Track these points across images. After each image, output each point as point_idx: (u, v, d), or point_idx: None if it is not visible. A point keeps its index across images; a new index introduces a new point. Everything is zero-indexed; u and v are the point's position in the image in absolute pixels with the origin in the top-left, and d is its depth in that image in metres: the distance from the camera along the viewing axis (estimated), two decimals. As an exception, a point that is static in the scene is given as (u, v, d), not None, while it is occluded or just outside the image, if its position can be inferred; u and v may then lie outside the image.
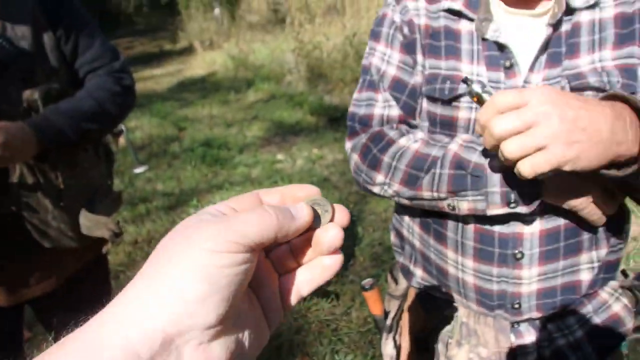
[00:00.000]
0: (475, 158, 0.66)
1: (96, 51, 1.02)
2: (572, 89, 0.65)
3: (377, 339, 1.83)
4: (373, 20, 0.84)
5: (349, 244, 2.46)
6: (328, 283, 2.12)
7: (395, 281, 0.89)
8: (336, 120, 4.35)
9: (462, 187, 0.66)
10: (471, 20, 0.71)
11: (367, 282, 0.84)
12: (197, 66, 7.38)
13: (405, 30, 0.76)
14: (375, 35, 0.81)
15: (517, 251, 0.68)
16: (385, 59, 0.79)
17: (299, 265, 0.34)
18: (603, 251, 0.72)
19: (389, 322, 0.83)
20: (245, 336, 0.29)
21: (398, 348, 0.86)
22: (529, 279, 0.69)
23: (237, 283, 0.26)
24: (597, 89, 0.64)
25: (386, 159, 0.74)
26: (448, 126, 0.72)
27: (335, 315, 1.98)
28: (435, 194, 0.68)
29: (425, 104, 0.75)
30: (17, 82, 0.89)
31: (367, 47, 0.82)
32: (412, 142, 0.73)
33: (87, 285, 1.12)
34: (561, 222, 0.68)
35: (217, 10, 8.67)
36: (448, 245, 0.74)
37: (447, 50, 0.72)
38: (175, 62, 8.06)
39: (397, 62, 0.78)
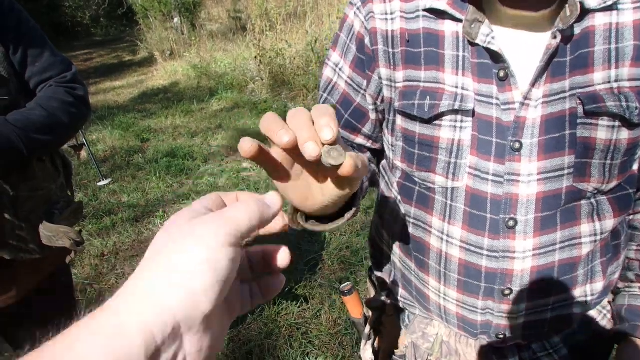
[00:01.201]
0: None
1: (46, 61, 1.00)
2: (587, 114, 0.55)
3: (347, 340, 1.86)
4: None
5: (317, 249, 2.48)
6: (297, 287, 2.14)
7: (375, 289, 0.86)
8: (301, 126, 4.38)
9: None
10: (458, 21, 0.58)
11: (345, 286, 0.83)
12: (159, 77, 7.23)
13: (366, 40, 0.65)
14: (334, 41, 0.72)
15: (505, 287, 0.62)
16: (336, 70, 0.71)
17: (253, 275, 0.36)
18: (599, 284, 0.65)
19: (367, 329, 0.81)
20: (219, 328, 0.30)
21: (376, 354, 0.84)
22: (517, 314, 0.64)
23: (233, 274, 0.28)
24: (615, 116, 0.55)
25: None
26: (428, 147, 0.62)
27: (305, 319, 1.99)
28: None
29: (400, 122, 0.65)
30: None
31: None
32: None
33: (51, 297, 1.11)
34: (556, 258, 0.61)
35: (176, 20, 8.52)
36: (430, 273, 0.68)
37: (427, 58, 0.60)
38: (136, 73, 7.85)
39: (346, 78, 0.70)
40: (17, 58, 0.96)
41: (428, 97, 0.60)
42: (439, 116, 0.60)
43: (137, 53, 9.26)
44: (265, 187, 3.22)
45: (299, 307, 2.04)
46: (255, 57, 5.43)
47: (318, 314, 2.01)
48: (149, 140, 4.39)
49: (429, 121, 0.61)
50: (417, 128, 0.63)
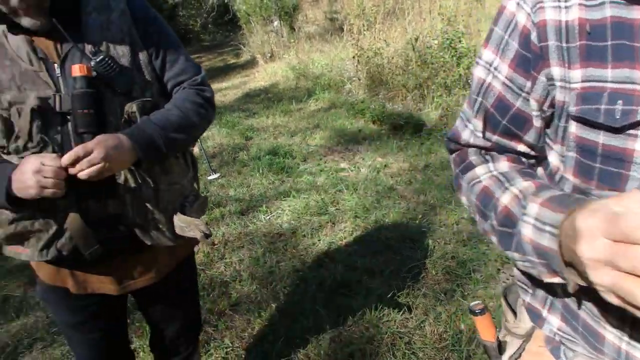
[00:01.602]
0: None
1: (181, 66, 1.07)
2: None
3: (454, 357, 1.74)
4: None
5: (419, 256, 2.38)
6: (399, 294, 2.07)
7: (515, 314, 0.77)
8: (400, 128, 4.27)
9: (507, 247, 0.58)
10: None
11: (476, 305, 0.76)
12: (260, 78, 7.62)
13: (533, 35, 0.56)
14: (487, 37, 0.63)
15: None
16: (490, 70, 0.63)
17: None
18: None
19: (505, 357, 0.74)
20: None
21: None
22: None
23: None
24: None
25: (464, 183, 0.68)
26: (616, 162, 0.52)
27: (408, 328, 1.91)
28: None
29: (575, 129, 0.55)
30: (120, 96, 0.96)
31: None
32: (487, 173, 0.65)
33: (180, 280, 1.21)
34: None
35: (276, 23, 8.92)
36: (609, 310, 0.56)
37: (616, 54, 0.51)
38: (239, 74, 8.39)
39: (503, 78, 0.62)
40: (158, 63, 1.04)
41: (620, 101, 0.50)
42: (636, 125, 0.50)
43: (241, 56, 9.90)
44: (363, 188, 3.19)
45: (401, 315, 1.97)
46: (353, 57, 5.43)
47: (422, 325, 1.92)
48: (252, 138, 4.64)
49: (620, 130, 0.51)
50: (601, 138, 0.53)
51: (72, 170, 0.86)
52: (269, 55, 8.30)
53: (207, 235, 1.05)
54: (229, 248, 2.70)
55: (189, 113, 1.04)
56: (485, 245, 2.43)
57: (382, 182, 3.30)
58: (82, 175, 0.86)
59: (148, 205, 1.01)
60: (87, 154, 0.85)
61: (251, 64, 8.84)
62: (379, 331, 1.90)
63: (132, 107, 0.97)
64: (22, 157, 0.88)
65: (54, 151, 0.90)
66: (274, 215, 2.99)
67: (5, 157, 0.92)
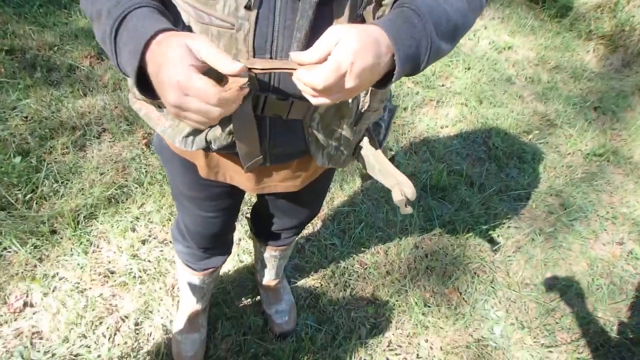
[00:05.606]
0: None
1: None
2: None
3: (533, 309, 1.53)
4: None
5: (525, 183, 1.95)
6: (494, 220, 1.73)
7: None
8: (540, 1, 3.17)
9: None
10: None
11: None
12: None
13: None
14: None
15: None
16: None
17: None
18: None
19: None
20: None
21: None
22: None
23: None
24: None
25: None
26: None
27: (494, 262, 1.65)
28: None
29: None
30: None
31: None
32: None
33: (316, 187, 0.90)
34: None
35: None
36: None
37: None
38: None
39: None
40: None
41: None
42: None
43: None
44: (479, 68, 2.49)
45: (490, 244, 1.69)
46: None
47: (509, 261, 1.66)
48: None
49: None
50: None
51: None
52: None
53: (408, 202, 0.63)
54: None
55: (470, 1, 0.57)
56: (596, 192, 1.99)
57: (501, 68, 2.57)
58: (315, 102, 0.48)
59: (345, 123, 0.66)
60: (339, 77, 0.45)
61: None
62: (464, 253, 1.64)
63: None
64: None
65: (247, 5, 0.49)
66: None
67: None
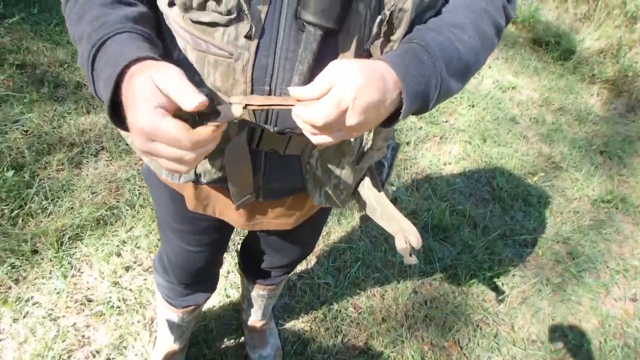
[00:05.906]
0: None
1: None
2: None
3: (543, 370, 1.41)
4: None
5: (530, 227, 1.87)
6: (498, 266, 1.64)
7: None
8: (543, 45, 3.20)
9: None
10: None
11: None
12: None
13: None
14: None
15: None
16: None
17: None
18: None
19: None
20: None
21: None
22: None
23: None
24: None
25: None
26: None
27: (499, 314, 1.55)
28: None
29: None
30: None
31: None
32: None
33: (311, 224, 0.83)
34: None
35: None
36: None
37: None
38: None
39: None
40: None
41: None
42: None
43: None
44: (483, 106, 2.47)
45: (494, 293, 1.59)
46: None
47: (514, 314, 1.55)
48: None
49: None
50: None
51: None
52: None
53: (413, 251, 0.57)
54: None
55: (484, 40, 0.52)
56: (605, 241, 1.90)
57: (505, 107, 2.55)
58: (315, 140, 0.44)
59: (345, 162, 0.61)
60: (340, 113, 0.41)
61: None
62: (466, 302, 1.54)
63: None
64: (190, 19, 0.46)
65: (247, 34, 0.46)
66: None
67: (159, 4, 0.49)
